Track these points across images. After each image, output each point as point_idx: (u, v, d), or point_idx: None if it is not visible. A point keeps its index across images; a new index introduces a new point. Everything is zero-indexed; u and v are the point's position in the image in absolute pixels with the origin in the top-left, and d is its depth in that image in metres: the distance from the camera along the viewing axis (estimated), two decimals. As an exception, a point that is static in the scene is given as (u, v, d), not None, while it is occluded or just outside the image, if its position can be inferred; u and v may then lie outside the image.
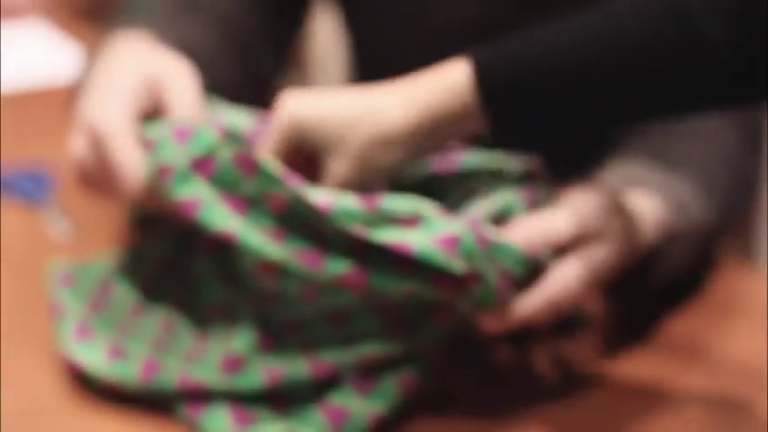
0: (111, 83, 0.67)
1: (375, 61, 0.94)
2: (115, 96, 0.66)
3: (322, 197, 0.58)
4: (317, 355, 0.60)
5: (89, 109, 0.66)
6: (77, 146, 0.66)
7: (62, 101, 1.04)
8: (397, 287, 0.58)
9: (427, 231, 0.58)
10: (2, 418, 0.61)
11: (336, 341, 0.61)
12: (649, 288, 0.71)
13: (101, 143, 0.64)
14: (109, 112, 0.65)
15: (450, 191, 0.70)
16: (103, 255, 0.74)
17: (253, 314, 0.62)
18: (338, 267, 0.57)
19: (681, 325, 0.73)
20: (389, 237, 0.57)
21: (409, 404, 0.63)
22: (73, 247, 0.79)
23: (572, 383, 0.67)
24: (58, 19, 1.27)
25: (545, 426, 0.63)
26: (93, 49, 0.77)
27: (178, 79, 0.67)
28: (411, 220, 0.59)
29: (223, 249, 0.65)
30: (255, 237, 0.58)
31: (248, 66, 0.85)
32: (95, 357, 0.63)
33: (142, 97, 0.66)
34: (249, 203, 0.59)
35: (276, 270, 0.59)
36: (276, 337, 0.61)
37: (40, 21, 1.26)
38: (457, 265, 0.57)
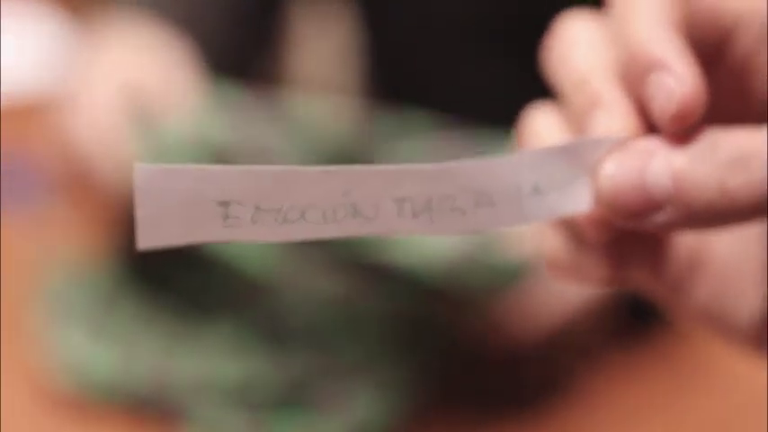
0: (93, 98, 0.66)
1: (391, 54, 0.94)
2: (95, 116, 0.65)
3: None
4: (323, 357, 0.61)
5: (69, 129, 0.66)
6: (64, 156, 0.66)
7: (58, 102, 1.04)
8: (394, 301, 0.58)
9: (418, 247, 0.58)
10: (2, 418, 0.61)
11: (338, 344, 0.61)
12: None
13: (82, 166, 0.64)
14: (88, 135, 0.64)
15: None
16: (103, 259, 0.74)
17: (257, 317, 0.62)
18: (333, 286, 0.58)
19: (679, 328, 0.73)
20: (381, 253, 0.57)
21: (410, 405, 0.63)
22: (73, 248, 0.79)
23: (570, 382, 0.67)
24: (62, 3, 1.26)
25: (544, 425, 0.63)
26: (87, 33, 0.77)
27: (168, 88, 0.67)
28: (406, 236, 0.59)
29: (219, 265, 0.65)
30: (254, 255, 0.59)
31: (250, 32, 0.84)
32: (98, 362, 0.63)
33: (130, 107, 0.66)
34: None
35: (273, 288, 0.59)
36: (284, 341, 0.61)
37: (39, 11, 1.25)
38: (448, 280, 0.57)
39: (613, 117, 0.27)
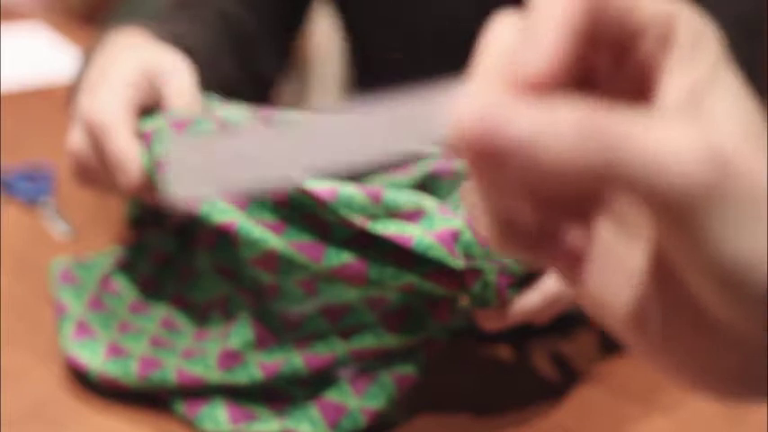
0: (109, 77, 0.67)
1: (372, 62, 0.94)
2: (113, 90, 0.65)
3: (324, 187, 0.58)
4: (313, 350, 0.61)
5: (86, 102, 0.66)
6: (75, 139, 0.66)
7: (61, 101, 1.04)
8: (395, 281, 0.58)
9: (427, 226, 0.58)
10: (2, 418, 0.61)
11: (334, 336, 0.61)
12: None
13: (98, 135, 0.64)
14: (106, 105, 0.65)
15: (450, 191, 0.70)
16: (103, 252, 0.74)
17: (250, 309, 0.62)
18: (337, 259, 0.57)
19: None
20: (390, 229, 0.57)
21: (409, 403, 0.63)
22: (72, 246, 0.79)
23: (570, 382, 0.67)
24: (56, 22, 1.28)
25: (544, 425, 0.63)
26: (90, 48, 0.77)
27: (176, 73, 0.67)
28: (413, 215, 0.59)
29: (222, 243, 0.65)
30: (255, 228, 0.58)
31: (248, 64, 0.85)
32: (94, 355, 0.63)
33: (140, 91, 0.66)
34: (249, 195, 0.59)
35: (275, 263, 0.59)
36: (273, 333, 0.61)
37: (39, 23, 1.26)
38: (455, 260, 0.57)
39: (484, 78, 0.31)
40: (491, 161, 0.28)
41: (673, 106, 0.30)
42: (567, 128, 0.27)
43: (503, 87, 0.29)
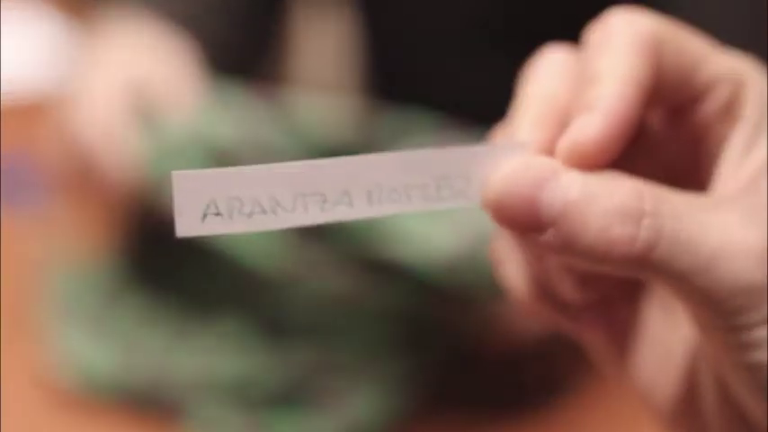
0: (101, 93, 0.67)
1: (390, 53, 0.94)
2: (104, 107, 0.65)
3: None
4: (324, 355, 0.61)
5: (77, 115, 0.66)
6: (64, 150, 0.67)
7: (59, 102, 1.03)
8: (395, 299, 0.58)
9: (425, 244, 0.58)
10: (2, 415, 0.61)
11: (337, 342, 0.61)
12: None
13: (87, 152, 0.64)
14: (96, 120, 0.64)
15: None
16: (104, 257, 0.74)
17: (257, 316, 0.62)
18: (339, 282, 0.57)
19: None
20: (384, 250, 0.57)
21: (410, 404, 0.63)
22: (75, 246, 0.79)
23: (569, 391, 0.67)
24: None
25: (545, 424, 0.63)
26: (87, 34, 0.77)
27: (170, 86, 0.67)
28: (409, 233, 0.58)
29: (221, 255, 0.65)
30: (257, 249, 0.59)
31: (251, 32, 0.84)
32: (99, 360, 0.63)
33: (132, 105, 0.66)
34: None
35: (275, 285, 0.59)
36: (285, 339, 0.61)
37: (40, 11, 1.25)
38: (452, 280, 0.57)
39: (533, 129, 0.27)
40: (533, 227, 0.25)
41: (731, 194, 0.27)
42: (617, 202, 0.25)
43: (556, 153, 0.26)
